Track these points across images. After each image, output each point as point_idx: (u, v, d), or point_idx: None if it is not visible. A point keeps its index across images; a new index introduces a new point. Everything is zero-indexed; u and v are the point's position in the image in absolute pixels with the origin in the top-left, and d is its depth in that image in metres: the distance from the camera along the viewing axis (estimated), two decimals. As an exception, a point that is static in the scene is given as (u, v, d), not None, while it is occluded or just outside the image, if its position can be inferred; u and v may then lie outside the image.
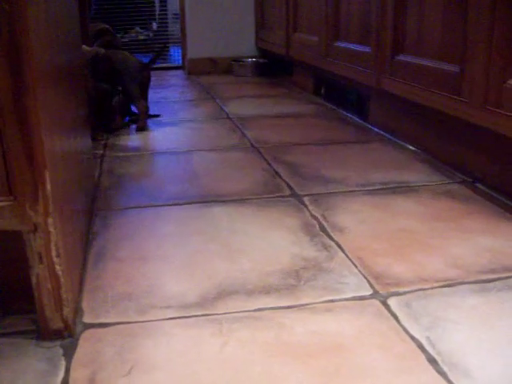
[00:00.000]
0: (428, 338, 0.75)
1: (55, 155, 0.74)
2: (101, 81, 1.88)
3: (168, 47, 2.13)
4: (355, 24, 1.91)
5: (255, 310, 0.81)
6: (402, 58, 1.58)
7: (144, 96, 1.97)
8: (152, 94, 2.20)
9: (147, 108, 1.97)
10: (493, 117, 1.17)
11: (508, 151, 1.24)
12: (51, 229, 0.69)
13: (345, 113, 2.15)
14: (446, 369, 0.69)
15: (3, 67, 0.62)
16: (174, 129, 1.95)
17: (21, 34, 0.62)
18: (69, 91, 0.97)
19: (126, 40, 4.14)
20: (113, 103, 1.93)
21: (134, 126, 1.96)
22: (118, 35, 4.16)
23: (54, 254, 0.70)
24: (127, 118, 2.04)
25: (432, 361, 0.70)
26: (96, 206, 1.23)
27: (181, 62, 3.61)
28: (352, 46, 1.93)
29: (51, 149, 0.71)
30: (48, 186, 0.67)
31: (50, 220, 0.69)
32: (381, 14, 1.68)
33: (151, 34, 4.43)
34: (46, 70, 0.72)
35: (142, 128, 1.93)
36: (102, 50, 1.95)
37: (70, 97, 0.97)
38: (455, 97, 1.31)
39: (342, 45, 2.02)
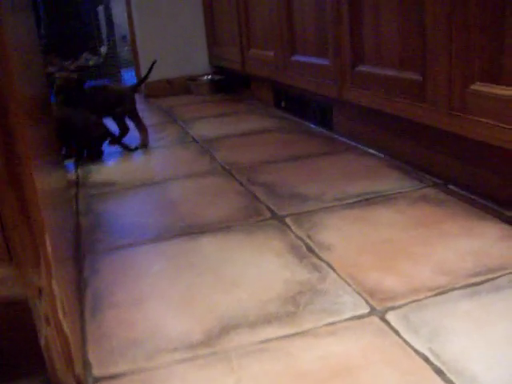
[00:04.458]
0: (431, 349, 0.78)
1: (49, 211, 0.74)
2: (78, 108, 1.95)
3: (155, 62, 2.27)
4: (311, 37, 1.94)
5: (261, 342, 0.83)
6: (362, 68, 1.62)
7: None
8: (111, 122, 2.19)
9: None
10: (458, 121, 1.22)
11: (475, 153, 1.29)
12: (56, 290, 0.69)
13: (308, 124, 2.19)
14: (453, 378, 0.72)
15: (-6, 138, 0.62)
16: (143, 157, 1.95)
17: (8, 93, 0.62)
18: (43, 134, 0.96)
19: (77, 68, 4.09)
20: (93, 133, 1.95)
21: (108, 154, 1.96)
22: (68, 62, 4.12)
23: (60, 314, 0.70)
24: (101, 151, 2.02)
25: (439, 372, 0.73)
26: (81, 250, 1.22)
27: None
28: (310, 59, 1.97)
29: (46, 210, 0.71)
30: (49, 249, 0.68)
31: (53, 282, 0.69)
32: (336, 26, 1.72)
33: (101, 59, 4.40)
34: (29, 123, 0.73)
35: (147, 145, 2.11)
36: (75, 76, 2.00)
37: (45, 138, 0.96)
38: (420, 104, 1.35)
39: (300, 58, 2.05)
